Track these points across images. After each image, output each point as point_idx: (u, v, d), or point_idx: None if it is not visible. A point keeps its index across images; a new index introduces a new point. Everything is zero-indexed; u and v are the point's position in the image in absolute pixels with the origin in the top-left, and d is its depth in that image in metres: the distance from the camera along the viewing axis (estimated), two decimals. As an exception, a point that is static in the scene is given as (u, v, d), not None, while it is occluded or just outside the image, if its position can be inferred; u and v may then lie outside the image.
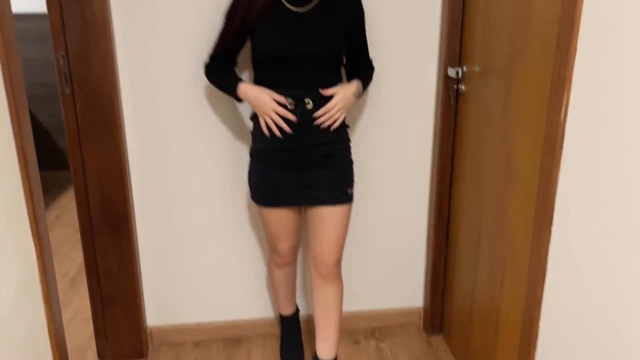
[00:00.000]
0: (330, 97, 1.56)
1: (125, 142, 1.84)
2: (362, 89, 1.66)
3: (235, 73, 1.68)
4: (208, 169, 1.92)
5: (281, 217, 1.68)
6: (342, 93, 1.57)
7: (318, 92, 1.55)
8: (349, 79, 1.70)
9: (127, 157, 1.86)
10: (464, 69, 1.78)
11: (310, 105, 1.55)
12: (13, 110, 1.00)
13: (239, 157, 1.91)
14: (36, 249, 1.26)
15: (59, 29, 1.68)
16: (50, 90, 3.97)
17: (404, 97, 1.93)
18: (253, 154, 1.67)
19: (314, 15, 1.54)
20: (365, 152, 1.97)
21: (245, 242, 2.03)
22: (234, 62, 1.70)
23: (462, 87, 1.80)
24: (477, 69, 1.70)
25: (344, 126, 1.66)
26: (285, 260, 1.81)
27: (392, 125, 1.96)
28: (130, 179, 1.89)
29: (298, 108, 1.55)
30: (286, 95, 1.54)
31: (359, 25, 1.65)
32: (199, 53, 1.76)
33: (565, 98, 1.13)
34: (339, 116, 1.57)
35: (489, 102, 1.63)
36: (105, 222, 1.87)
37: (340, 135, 1.64)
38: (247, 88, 1.59)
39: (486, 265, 1.68)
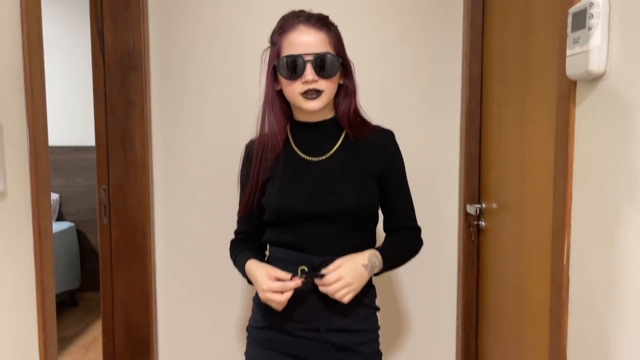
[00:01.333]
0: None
1: (154, 270, 1.93)
2: (381, 260, 1.28)
3: (254, 250, 1.38)
4: (233, 301, 1.95)
5: None
6: (349, 265, 1.22)
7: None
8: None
9: (155, 285, 1.93)
10: (483, 205, 1.80)
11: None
12: (37, 244, 1.09)
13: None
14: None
15: (103, 165, 1.86)
16: (105, 214, 4.24)
17: (427, 234, 1.94)
18: (249, 330, 1.37)
19: (332, 165, 1.29)
20: (388, 290, 1.96)
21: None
22: (259, 233, 1.39)
23: (483, 223, 1.81)
24: (494, 205, 1.72)
25: (373, 308, 1.34)
26: None
27: (415, 262, 1.95)
28: (156, 306, 1.94)
29: (312, 279, 1.22)
30: (300, 262, 1.26)
31: (392, 172, 1.33)
32: (229, 192, 1.86)
33: (566, 243, 1.12)
34: (345, 294, 1.20)
35: (506, 239, 1.62)
36: (127, 350, 1.90)
37: (367, 321, 1.32)
38: (249, 268, 1.30)
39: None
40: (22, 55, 1.06)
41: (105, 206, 1.87)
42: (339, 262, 1.22)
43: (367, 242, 1.32)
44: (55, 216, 4.12)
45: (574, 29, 1.01)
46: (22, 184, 1.07)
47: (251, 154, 1.34)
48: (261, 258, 1.35)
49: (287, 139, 1.33)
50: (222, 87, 1.90)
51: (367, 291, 1.32)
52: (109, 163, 1.85)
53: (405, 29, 1.88)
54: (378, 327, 1.35)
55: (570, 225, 1.11)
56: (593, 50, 0.96)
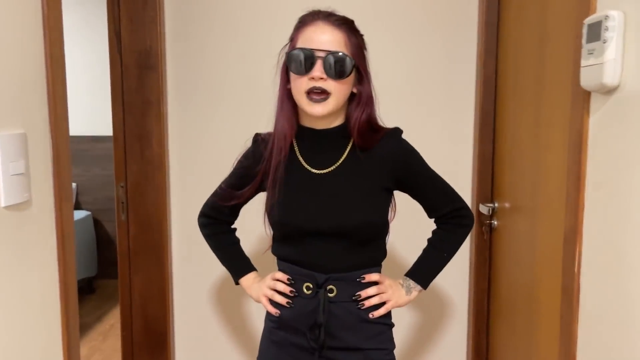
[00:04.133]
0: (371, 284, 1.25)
1: (171, 266, 1.97)
2: (416, 282, 1.31)
3: (241, 250, 1.42)
4: (246, 299, 1.99)
5: None
6: (389, 282, 1.27)
7: (347, 275, 1.23)
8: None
9: (172, 281, 1.98)
10: (496, 205, 1.81)
11: (333, 293, 1.22)
12: (60, 248, 1.13)
13: (276, 283, 1.98)
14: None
15: (121, 164, 1.89)
16: (121, 203, 4.31)
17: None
18: (266, 322, 1.35)
19: (337, 179, 1.22)
20: (400, 283, 1.98)
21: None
22: (235, 217, 1.42)
23: (495, 222, 1.82)
24: (507, 205, 1.73)
25: (386, 325, 1.28)
26: None
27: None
28: (173, 301, 1.99)
29: (317, 296, 1.21)
30: (304, 279, 1.23)
31: (411, 173, 1.28)
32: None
33: (577, 251, 1.13)
34: (380, 309, 1.24)
35: (518, 240, 1.63)
36: (145, 342, 1.95)
37: (378, 339, 1.26)
38: (245, 284, 1.37)
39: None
40: (45, 66, 1.09)
41: (123, 203, 1.91)
42: (379, 277, 1.26)
43: (375, 258, 1.29)
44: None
45: (589, 40, 1.01)
46: (46, 191, 1.10)
47: (258, 148, 1.30)
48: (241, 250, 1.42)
49: (291, 144, 1.26)
50: (238, 86, 1.92)
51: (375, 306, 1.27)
52: (127, 161, 1.89)
53: (421, 28, 1.88)
54: (393, 346, 1.30)
55: (582, 234, 1.12)
56: (608, 63, 0.96)
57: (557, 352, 1.25)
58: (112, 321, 3.65)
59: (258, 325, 2.01)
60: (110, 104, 1.88)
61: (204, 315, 2.01)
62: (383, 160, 1.24)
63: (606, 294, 1.03)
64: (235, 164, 1.36)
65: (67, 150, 1.15)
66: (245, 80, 1.91)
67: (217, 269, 1.98)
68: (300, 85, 1.17)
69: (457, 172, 1.94)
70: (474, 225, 1.89)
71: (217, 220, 1.40)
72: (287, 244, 1.26)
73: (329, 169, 1.24)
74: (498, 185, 1.82)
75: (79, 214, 4.04)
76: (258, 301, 1.32)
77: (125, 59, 1.85)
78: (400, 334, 2.00)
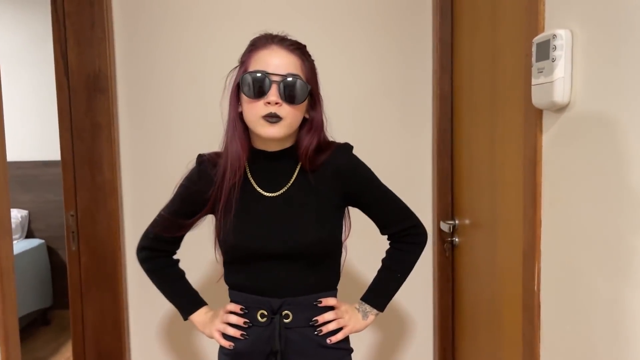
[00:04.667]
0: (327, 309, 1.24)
1: (127, 297, 1.88)
2: (372, 306, 1.30)
3: (188, 283, 1.35)
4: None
5: None
6: (345, 307, 1.27)
7: (302, 299, 1.20)
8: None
9: (127, 312, 1.89)
10: (456, 222, 1.81)
11: (289, 319, 1.20)
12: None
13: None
14: None
15: (70, 190, 1.81)
16: (77, 229, 4.15)
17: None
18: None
19: (287, 201, 1.20)
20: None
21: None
22: (177, 247, 1.36)
23: (456, 239, 1.82)
24: (467, 222, 1.73)
25: (345, 350, 1.27)
26: None
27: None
28: (128, 334, 1.90)
29: (272, 323, 1.19)
30: (258, 306, 1.20)
31: (361, 188, 1.26)
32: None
33: (536, 269, 1.12)
34: (338, 334, 1.23)
35: (479, 256, 1.63)
36: (99, 378, 1.85)
37: None
38: (196, 320, 1.31)
39: None
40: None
41: (73, 232, 1.82)
42: (335, 302, 1.25)
43: (330, 281, 1.27)
44: (24, 233, 4.01)
45: (538, 59, 1.02)
46: (-19, 226, 1.03)
47: (205, 170, 1.24)
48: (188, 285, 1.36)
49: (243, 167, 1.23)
50: (190, 109, 1.87)
51: (338, 332, 1.25)
52: (76, 188, 1.81)
53: (376, 45, 1.88)
54: None
55: (540, 252, 1.11)
56: (557, 82, 0.97)
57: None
58: (68, 354, 3.48)
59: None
60: (58, 128, 1.81)
61: (162, 349, 1.92)
62: (333, 176, 1.23)
63: (566, 311, 1.02)
64: (177, 189, 1.28)
65: (5, 180, 1.08)
66: (198, 101, 1.87)
67: (175, 297, 1.91)
68: (254, 109, 1.14)
69: (417, 189, 1.93)
70: (436, 243, 1.89)
71: (160, 253, 1.33)
72: (239, 269, 1.22)
73: (280, 191, 1.21)
74: (458, 202, 1.82)
75: (32, 243, 3.87)
76: (211, 337, 1.27)
77: (73, 82, 1.78)
78: (364, 356, 1.96)
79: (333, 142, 1.27)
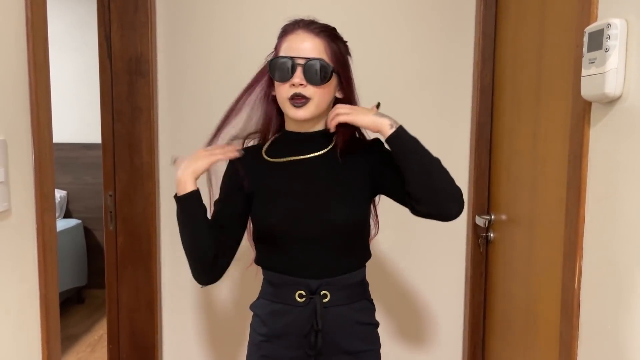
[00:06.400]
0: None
1: (160, 277, 1.92)
2: (400, 125, 1.18)
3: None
4: (239, 310, 1.95)
5: None
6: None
7: (340, 279, 1.22)
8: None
9: (160, 293, 1.93)
10: (492, 217, 1.77)
11: (327, 298, 1.21)
12: (41, 260, 1.08)
13: (267, 295, 1.94)
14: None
15: (110, 171, 1.85)
16: (112, 212, 4.25)
17: (435, 244, 1.93)
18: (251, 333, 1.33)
19: (323, 181, 1.24)
20: (397, 299, 1.94)
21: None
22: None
23: (492, 234, 1.79)
24: (504, 217, 1.69)
25: (373, 325, 1.31)
26: None
27: (423, 272, 1.94)
28: (161, 314, 1.94)
29: (311, 303, 1.21)
30: (296, 287, 1.21)
31: (386, 160, 1.23)
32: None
33: (578, 266, 1.09)
34: (336, 116, 1.18)
35: (515, 253, 1.59)
36: (132, 356, 1.89)
37: (369, 339, 1.28)
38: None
39: None
40: (28, 71, 1.05)
41: (111, 212, 1.86)
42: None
43: (362, 256, 1.29)
44: (62, 213, 4.14)
45: (590, 49, 0.99)
46: (27, 201, 1.06)
47: (233, 165, 1.27)
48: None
49: (275, 149, 1.28)
50: (229, 93, 1.87)
51: (363, 307, 1.28)
52: (116, 169, 1.84)
53: (417, 36, 1.86)
54: (379, 346, 1.31)
55: (582, 249, 1.08)
56: (610, 73, 0.93)
57: (556, 370, 1.21)
58: (101, 332, 3.58)
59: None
60: (100, 110, 1.84)
61: (193, 329, 1.96)
62: (362, 164, 1.25)
63: (608, 311, 0.99)
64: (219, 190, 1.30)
65: (51, 159, 1.10)
66: (237, 86, 1.86)
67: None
68: (282, 91, 1.20)
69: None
70: (470, 237, 1.86)
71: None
72: (274, 251, 1.24)
73: (313, 173, 1.24)
74: (495, 197, 1.79)
75: (69, 223, 3.98)
76: (200, 171, 1.22)
77: (116, 65, 1.81)
78: (390, 350, 1.95)
79: (365, 138, 1.31)
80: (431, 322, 1.97)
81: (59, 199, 4.08)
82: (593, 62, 0.97)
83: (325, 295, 1.21)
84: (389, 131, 1.16)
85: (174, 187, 1.87)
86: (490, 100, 1.78)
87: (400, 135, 1.17)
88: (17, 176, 1.02)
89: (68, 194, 4.22)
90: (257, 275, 1.32)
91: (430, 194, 1.15)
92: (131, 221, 1.85)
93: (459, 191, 1.18)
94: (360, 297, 1.28)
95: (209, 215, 1.25)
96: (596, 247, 1.04)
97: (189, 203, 1.21)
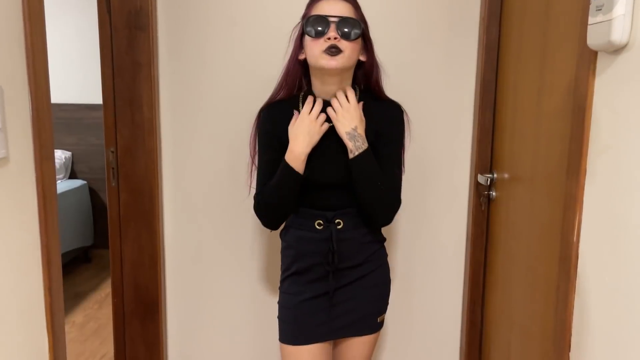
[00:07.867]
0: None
1: (163, 233, 1.94)
2: (364, 148, 1.38)
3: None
4: (240, 265, 1.97)
5: (313, 355, 1.50)
6: (360, 115, 1.41)
7: (350, 210, 1.46)
8: None
9: (163, 248, 1.95)
10: (495, 175, 1.76)
11: (341, 225, 1.46)
12: (42, 209, 1.09)
13: (272, 251, 1.95)
14: (49, 344, 1.22)
15: (111, 127, 1.84)
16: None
17: (437, 202, 1.93)
18: (282, 282, 1.56)
19: (338, 137, 1.42)
20: (397, 256, 1.95)
21: (277, 336, 2.02)
22: None
23: (494, 193, 1.78)
24: (506, 176, 1.68)
25: (381, 242, 1.55)
26: None
27: (424, 230, 1.95)
28: (164, 269, 1.96)
29: (328, 229, 1.45)
30: (316, 217, 1.46)
31: (384, 138, 1.45)
32: (238, 156, 1.86)
33: (577, 219, 1.09)
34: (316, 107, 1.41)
35: (516, 211, 1.59)
36: (136, 311, 1.93)
37: (376, 255, 1.53)
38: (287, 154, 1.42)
39: (516, 385, 1.57)
40: (22, 16, 1.03)
41: (113, 169, 1.86)
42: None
43: None
44: (67, 174, 4.16)
45: (597, -5, 0.96)
46: (25, 148, 1.05)
47: (272, 117, 1.47)
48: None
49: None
50: (233, 49, 1.86)
51: (368, 231, 1.50)
52: (117, 125, 1.84)
53: (421, -10, 1.81)
54: (385, 260, 1.56)
55: (582, 201, 1.08)
56: (617, 19, 0.90)
57: (552, 322, 1.22)
58: (108, 290, 3.64)
59: (252, 290, 1.99)
60: (100, 67, 1.82)
61: (196, 283, 1.98)
62: (375, 116, 1.46)
63: (607, 263, 0.99)
64: (259, 140, 1.50)
65: (48, 107, 1.10)
66: (239, 42, 1.85)
67: (208, 235, 1.95)
68: (316, 46, 1.35)
69: (456, 140, 1.89)
70: (472, 196, 1.86)
71: None
72: (302, 193, 1.44)
73: (334, 130, 1.43)
74: (498, 156, 1.77)
75: (75, 183, 4.01)
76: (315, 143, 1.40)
77: (115, 19, 1.78)
78: (391, 304, 1.98)
79: (388, 97, 1.52)
80: (432, 278, 1.98)
81: (64, 160, 4.09)
82: (600, 9, 0.95)
83: (339, 223, 1.45)
84: (350, 155, 1.39)
85: (175, 142, 1.88)
86: (495, 56, 1.75)
87: (358, 162, 1.39)
88: (15, 124, 1.02)
89: (73, 154, 4.23)
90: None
91: (367, 208, 1.43)
92: (133, 177, 1.86)
93: (392, 207, 1.47)
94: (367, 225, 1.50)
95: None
96: (597, 200, 1.03)
97: (301, 175, 1.41)
